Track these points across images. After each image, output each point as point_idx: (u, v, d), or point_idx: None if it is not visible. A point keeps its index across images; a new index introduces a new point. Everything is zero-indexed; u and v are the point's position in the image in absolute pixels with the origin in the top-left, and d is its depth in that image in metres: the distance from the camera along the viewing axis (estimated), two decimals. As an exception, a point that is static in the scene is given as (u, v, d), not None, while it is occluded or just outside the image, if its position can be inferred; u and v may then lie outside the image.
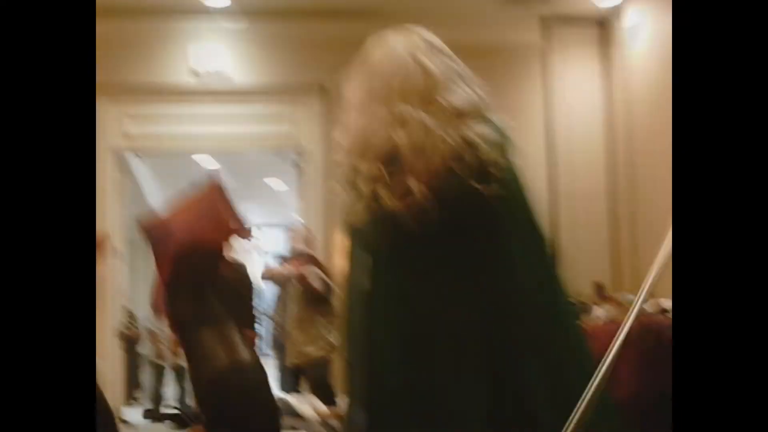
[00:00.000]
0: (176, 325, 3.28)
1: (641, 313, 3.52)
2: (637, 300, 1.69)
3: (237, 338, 3.18)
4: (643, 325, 3.37)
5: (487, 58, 7.02)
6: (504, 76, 7.18)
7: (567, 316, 1.77)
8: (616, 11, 7.01)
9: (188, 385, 6.74)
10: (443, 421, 1.61)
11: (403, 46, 1.81)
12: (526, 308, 1.67)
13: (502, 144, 1.74)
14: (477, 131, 1.69)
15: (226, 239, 3.45)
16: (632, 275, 6.72)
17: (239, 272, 5.57)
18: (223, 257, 3.48)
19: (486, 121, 1.74)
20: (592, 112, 7.22)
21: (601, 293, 5.26)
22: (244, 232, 3.47)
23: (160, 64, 6.71)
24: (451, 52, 1.85)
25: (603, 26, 7.25)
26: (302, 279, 5.13)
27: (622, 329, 1.59)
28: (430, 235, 1.66)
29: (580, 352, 1.73)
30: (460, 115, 1.71)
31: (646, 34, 6.58)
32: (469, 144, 1.67)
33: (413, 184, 1.64)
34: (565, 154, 7.16)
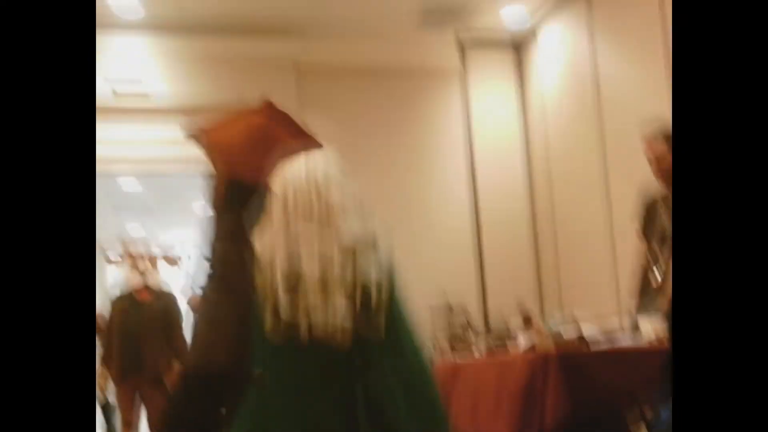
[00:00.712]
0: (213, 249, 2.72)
1: (559, 339, 3.62)
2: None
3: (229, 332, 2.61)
4: (562, 352, 3.44)
5: (408, 80, 7.21)
6: (426, 98, 7.30)
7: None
8: (530, 35, 7.21)
9: (117, 423, 6.57)
10: None
11: (310, 173, 2.01)
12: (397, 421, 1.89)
13: (387, 281, 1.96)
14: (367, 269, 1.93)
15: (271, 170, 2.53)
16: (555, 297, 6.88)
17: (170, 303, 5.51)
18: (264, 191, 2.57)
19: (375, 253, 1.96)
20: (511, 135, 7.36)
21: (527, 320, 5.40)
22: (312, 144, 2.78)
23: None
24: (350, 182, 2.05)
25: (518, 49, 7.43)
26: None
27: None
28: (313, 354, 1.88)
29: None
30: (353, 249, 1.92)
31: (560, 57, 6.79)
32: (359, 284, 1.91)
33: (313, 311, 1.87)
34: (486, 177, 7.27)
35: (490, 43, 7.35)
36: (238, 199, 2.64)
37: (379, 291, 1.93)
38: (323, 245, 1.90)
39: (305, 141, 2.75)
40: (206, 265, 2.58)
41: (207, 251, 2.66)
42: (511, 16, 6.97)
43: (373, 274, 1.93)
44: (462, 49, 7.35)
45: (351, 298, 1.89)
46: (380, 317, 1.93)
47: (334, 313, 1.86)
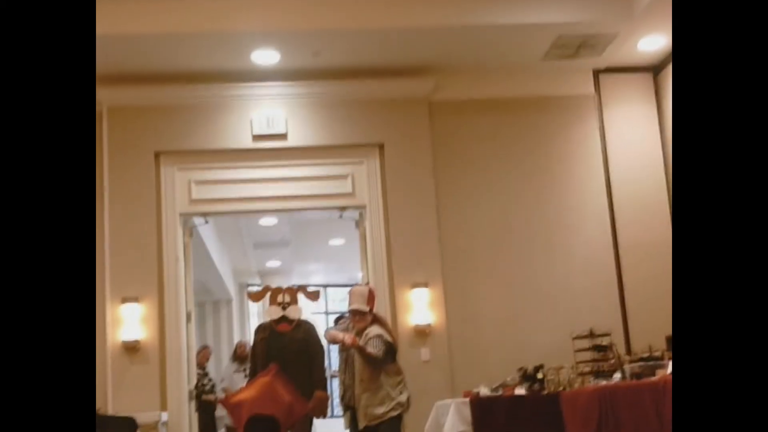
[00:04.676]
0: None
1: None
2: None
3: None
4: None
5: (545, 110, 7.19)
6: (564, 127, 7.24)
7: None
8: (665, 59, 7.03)
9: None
10: None
11: None
12: None
13: None
14: None
15: (284, 411, 5.11)
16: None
17: (309, 333, 5.67)
18: (281, 425, 5.11)
19: None
20: (649, 158, 7.22)
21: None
22: (304, 407, 5.30)
23: (224, 130, 6.94)
24: None
25: (655, 73, 7.27)
26: (359, 349, 5.18)
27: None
28: None
29: None
30: None
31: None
32: None
33: None
34: (625, 201, 7.14)
35: (626, 70, 7.26)
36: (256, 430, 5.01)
37: None
38: None
39: (293, 391, 5.26)
40: None
41: None
42: (647, 45, 6.83)
43: None
44: (597, 76, 7.26)
45: None
46: None
47: None
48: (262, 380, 5.25)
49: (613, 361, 4.82)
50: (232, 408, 5.30)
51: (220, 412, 8.70)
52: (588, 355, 5.41)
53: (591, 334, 5.38)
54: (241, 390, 5.52)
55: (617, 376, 4.41)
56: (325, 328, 7.46)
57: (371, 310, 5.41)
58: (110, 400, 6.36)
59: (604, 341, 5.13)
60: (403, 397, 5.17)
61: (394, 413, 5.13)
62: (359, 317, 5.36)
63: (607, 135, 7.25)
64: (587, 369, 5.11)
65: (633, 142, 7.24)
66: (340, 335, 5.43)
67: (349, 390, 5.90)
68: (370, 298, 5.44)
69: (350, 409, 5.79)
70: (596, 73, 7.27)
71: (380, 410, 5.12)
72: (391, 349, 5.24)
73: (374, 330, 5.26)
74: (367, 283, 6.60)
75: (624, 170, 7.19)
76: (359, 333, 5.32)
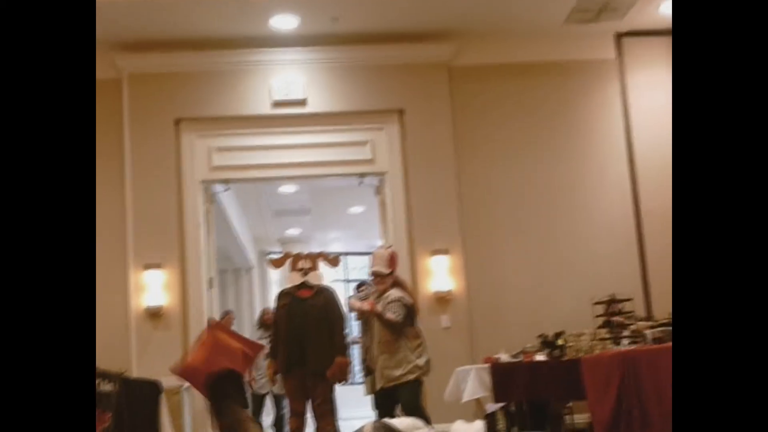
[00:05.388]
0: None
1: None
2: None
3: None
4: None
5: (566, 75, 7.11)
6: (585, 92, 7.18)
7: None
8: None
9: (286, 412, 6.91)
10: None
11: None
12: None
13: None
14: None
15: (239, 359, 5.13)
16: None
17: (330, 299, 5.69)
18: (242, 372, 5.24)
19: None
20: (670, 121, 7.13)
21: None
22: (256, 348, 5.38)
23: (244, 97, 6.94)
24: None
25: (678, 36, 7.17)
26: (378, 315, 5.21)
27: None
28: None
29: None
30: None
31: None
32: None
33: None
34: (646, 165, 7.10)
35: (647, 33, 7.14)
36: (222, 387, 4.91)
37: None
38: None
39: (240, 337, 5.37)
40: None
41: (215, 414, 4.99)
42: (669, 8, 6.71)
43: None
44: (618, 40, 7.17)
45: None
46: None
47: None
48: (204, 339, 5.19)
49: (633, 327, 4.81)
50: (187, 374, 5.12)
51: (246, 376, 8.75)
52: (608, 319, 5.42)
53: (612, 300, 5.37)
54: (188, 354, 5.41)
55: (625, 342, 4.41)
56: (345, 296, 7.50)
57: (392, 272, 5.43)
58: (134, 365, 6.45)
59: (620, 307, 5.12)
60: (421, 361, 5.20)
61: (411, 376, 5.16)
62: (380, 279, 5.39)
63: (628, 99, 7.18)
64: (607, 335, 5.11)
65: (655, 106, 7.15)
66: (358, 304, 5.47)
67: (369, 353, 5.94)
68: (391, 261, 5.45)
69: (371, 373, 5.83)
70: (618, 37, 7.18)
71: (397, 372, 5.16)
72: (410, 313, 5.26)
73: (394, 293, 5.28)
74: (389, 247, 6.62)
75: (645, 135, 7.13)
76: (380, 295, 5.35)
